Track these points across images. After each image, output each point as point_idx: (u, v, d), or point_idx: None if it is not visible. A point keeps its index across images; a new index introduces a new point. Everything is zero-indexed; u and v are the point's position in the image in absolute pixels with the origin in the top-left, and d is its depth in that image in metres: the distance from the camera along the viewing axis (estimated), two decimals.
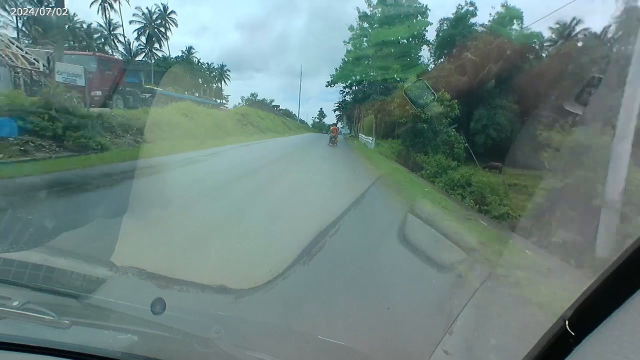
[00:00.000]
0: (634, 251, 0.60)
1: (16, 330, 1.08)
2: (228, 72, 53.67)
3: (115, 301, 1.48)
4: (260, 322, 2.12)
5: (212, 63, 51.87)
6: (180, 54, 45.72)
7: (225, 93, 51.37)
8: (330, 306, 2.69)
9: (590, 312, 0.65)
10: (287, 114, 57.05)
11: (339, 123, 47.92)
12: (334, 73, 32.10)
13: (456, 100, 17.38)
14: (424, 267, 3.63)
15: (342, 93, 36.49)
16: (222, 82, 53.19)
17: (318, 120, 59.79)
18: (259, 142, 20.64)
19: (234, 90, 55.39)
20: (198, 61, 49.40)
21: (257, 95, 56.27)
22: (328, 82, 32.61)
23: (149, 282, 2.55)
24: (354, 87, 33.53)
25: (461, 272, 3.51)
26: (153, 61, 41.97)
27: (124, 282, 2.38)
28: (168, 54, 43.82)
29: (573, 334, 0.65)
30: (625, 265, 0.62)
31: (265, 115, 34.81)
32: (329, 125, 39.00)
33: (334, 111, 48.37)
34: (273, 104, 56.73)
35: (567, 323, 0.67)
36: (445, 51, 24.58)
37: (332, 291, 2.97)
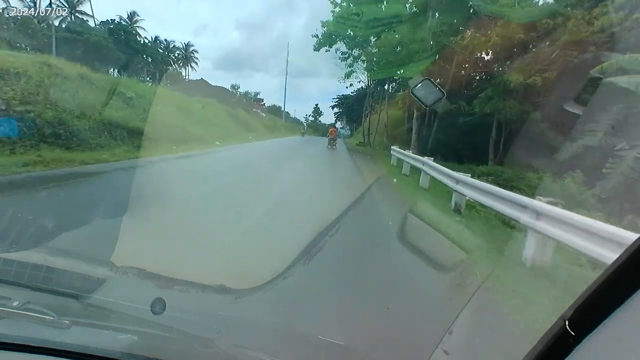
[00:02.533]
0: (634, 251, 0.60)
1: (16, 330, 1.08)
2: (195, 54, 43.28)
3: (115, 301, 1.48)
4: (260, 322, 2.12)
5: (173, 41, 41.04)
6: (115, 20, 32.94)
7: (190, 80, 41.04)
8: (330, 306, 2.68)
9: (590, 312, 0.65)
10: (274, 111, 48.50)
11: (338, 122, 41.16)
12: (327, 22, 17.54)
13: None
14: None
15: (346, 58, 19.78)
16: (189, 66, 43.02)
17: (313, 119, 52.92)
18: None
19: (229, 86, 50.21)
20: (156, 38, 37.08)
21: (238, 87, 49.11)
22: (318, 40, 18.03)
23: (149, 282, 2.55)
24: (370, 46, 17.40)
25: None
26: (61, 24, 28.07)
27: (124, 282, 2.38)
28: (94, 19, 30.51)
29: (573, 334, 0.65)
30: (625, 265, 0.62)
31: (168, 95, 18.31)
32: (328, 126, 32.23)
33: (332, 108, 40.99)
34: (258, 97, 49.71)
35: (567, 323, 0.67)
36: None
37: (332, 291, 2.97)
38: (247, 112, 33.98)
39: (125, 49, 30.82)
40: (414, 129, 15.00)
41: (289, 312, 2.52)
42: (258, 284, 2.75)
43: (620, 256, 0.62)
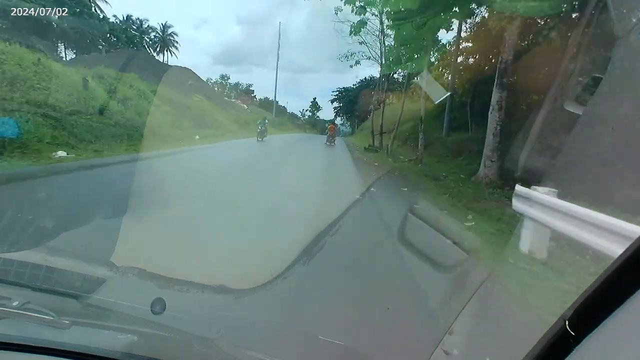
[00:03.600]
0: (634, 251, 0.60)
1: (16, 330, 1.08)
2: (174, 37, 36.36)
3: (115, 301, 1.48)
4: (260, 322, 2.12)
5: (147, 20, 33.45)
6: None
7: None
8: (330, 306, 2.68)
9: (590, 312, 0.65)
10: (266, 104, 42.11)
11: (338, 118, 38.95)
12: None
13: None
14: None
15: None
16: (167, 51, 36.25)
17: (311, 114, 48.88)
18: None
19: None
20: (128, 17, 30.59)
21: (228, 77, 43.84)
22: None
23: (149, 282, 2.55)
24: None
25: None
26: None
27: (124, 282, 2.38)
28: None
29: (573, 334, 0.65)
30: (625, 265, 0.62)
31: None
32: (326, 122, 30.78)
33: (332, 102, 38.72)
34: (250, 89, 45.35)
35: (567, 323, 0.67)
36: None
37: (332, 291, 2.97)
38: (211, 101, 24.00)
39: (76, 24, 24.24)
40: (490, 127, 7.60)
41: (289, 312, 2.52)
42: (258, 284, 2.75)
43: (620, 256, 0.62)
